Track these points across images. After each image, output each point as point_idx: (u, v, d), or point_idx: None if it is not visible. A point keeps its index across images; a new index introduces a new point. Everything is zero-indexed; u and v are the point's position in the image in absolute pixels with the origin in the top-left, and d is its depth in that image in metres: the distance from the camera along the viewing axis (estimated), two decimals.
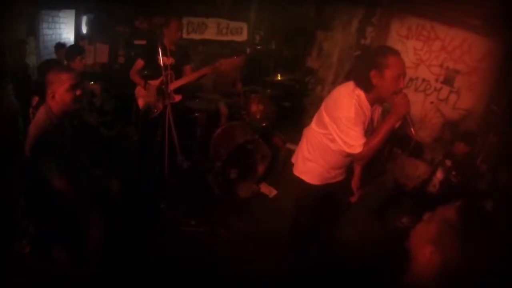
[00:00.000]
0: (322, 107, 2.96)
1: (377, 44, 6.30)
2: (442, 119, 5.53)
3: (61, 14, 7.65)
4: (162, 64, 4.17)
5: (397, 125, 2.66)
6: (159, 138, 4.61)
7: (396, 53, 2.62)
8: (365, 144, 2.62)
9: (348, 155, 2.85)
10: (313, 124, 3.11)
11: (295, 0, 7.57)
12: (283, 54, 7.94)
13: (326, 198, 3.31)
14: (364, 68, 2.68)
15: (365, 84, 2.68)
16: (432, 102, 5.61)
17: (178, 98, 4.64)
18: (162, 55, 4.15)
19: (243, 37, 8.05)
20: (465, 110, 5.28)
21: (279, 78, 6.60)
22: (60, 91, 2.77)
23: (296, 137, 6.36)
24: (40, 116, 2.79)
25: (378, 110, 2.98)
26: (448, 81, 5.44)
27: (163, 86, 4.25)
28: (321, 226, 3.65)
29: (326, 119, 2.84)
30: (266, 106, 5.67)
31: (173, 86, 4.52)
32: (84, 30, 7.36)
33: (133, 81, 4.67)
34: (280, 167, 5.62)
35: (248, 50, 8.00)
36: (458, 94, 5.34)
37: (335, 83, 7.13)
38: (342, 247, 4.21)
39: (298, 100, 7.56)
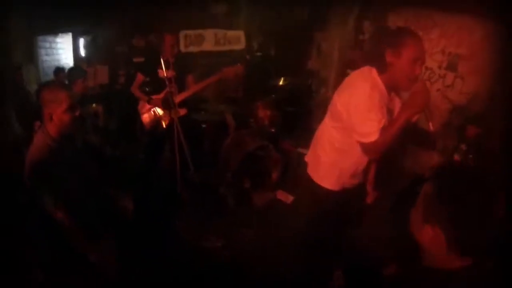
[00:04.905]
0: (335, 96, 2.56)
1: (376, 38, 6.09)
2: (450, 105, 5.24)
3: (58, 39, 7.47)
4: (163, 77, 3.96)
5: (414, 118, 2.37)
6: (168, 153, 4.37)
7: (416, 35, 2.31)
8: (381, 133, 2.26)
9: (363, 148, 2.45)
10: (327, 118, 2.71)
11: (289, 3, 7.34)
12: (283, 59, 7.68)
13: (344, 204, 2.89)
14: (379, 45, 2.37)
15: (378, 62, 2.35)
16: (438, 90, 5.33)
17: (183, 112, 4.34)
18: (162, 68, 3.94)
19: (241, 45, 7.73)
20: (471, 94, 5.04)
21: (281, 82, 6.38)
22: (58, 112, 2.44)
23: (304, 141, 6.09)
24: (37, 140, 2.48)
25: (398, 103, 2.59)
26: (451, 66, 5.20)
27: (169, 98, 4.02)
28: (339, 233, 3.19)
29: (339, 108, 2.47)
30: (272, 111, 5.41)
31: (179, 99, 4.25)
32: (82, 53, 7.16)
33: (135, 96, 4.41)
34: (293, 172, 5.33)
35: (248, 58, 7.76)
36: (463, 79, 5.10)
37: (337, 82, 6.86)
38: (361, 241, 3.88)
39: (303, 104, 7.21)
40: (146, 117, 4.43)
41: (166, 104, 4.23)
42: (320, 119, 2.84)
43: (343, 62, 6.48)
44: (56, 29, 7.02)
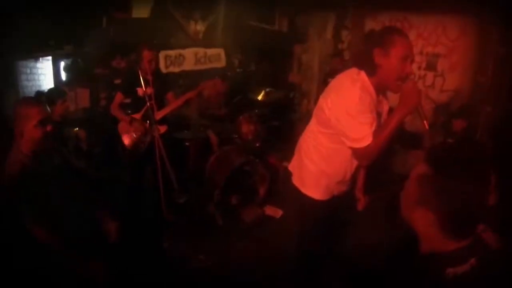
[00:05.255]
0: (321, 100, 2.40)
1: (355, 46, 6.10)
2: (433, 104, 5.34)
3: (38, 65, 7.31)
4: (142, 94, 3.84)
5: (407, 118, 2.20)
6: (151, 172, 4.23)
7: (403, 33, 2.20)
8: (373, 137, 2.14)
9: (355, 154, 2.33)
10: (312, 124, 2.56)
11: (266, 18, 7.31)
12: (264, 74, 7.61)
13: (334, 213, 2.74)
14: (366, 47, 2.24)
15: (367, 64, 2.23)
16: None
17: (163, 129, 4.21)
18: (141, 86, 3.84)
19: (221, 63, 7.64)
20: (453, 91, 5.24)
21: (264, 97, 6.30)
22: (28, 127, 2.33)
23: (290, 155, 6.03)
24: (10, 159, 2.36)
25: (386, 106, 2.50)
26: (430, 66, 5.39)
27: (149, 115, 3.90)
28: (329, 242, 3.02)
29: (327, 112, 2.31)
30: (256, 126, 5.30)
31: (159, 116, 4.12)
32: (62, 76, 7.00)
33: (116, 116, 4.26)
34: (280, 186, 5.21)
35: (229, 75, 7.69)
36: (443, 77, 5.31)
37: (319, 94, 6.82)
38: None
39: (286, 118, 7.16)
40: (126, 137, 4.27)
41: (146, 121, 4.10)
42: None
43: (324, 72, 6.44)
44: (36, 54, 6.87)
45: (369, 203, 3.09)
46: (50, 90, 4.74)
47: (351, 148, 2.29)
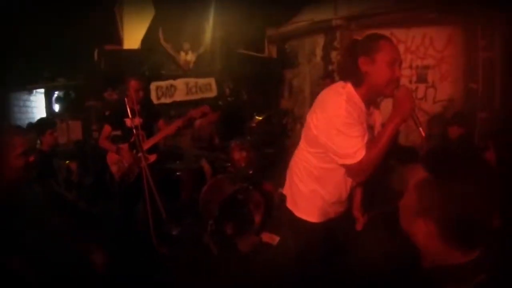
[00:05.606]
0: (308, 118, 2.24)
1: (346, 51, 6.12)
2: (427, 116, 5.26)
3: (32, 97, 7.28)
4: (130, 125, 3.76)
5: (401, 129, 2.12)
6: (142, 204, 4.10)
7: (387, 38, 2.09)
8: (366, 150, 1.97)
9: (349, 171, 2.16)
10: (302, 144, 2.37)
11: (255, 46, 7.30)
12: (256, 101, 7.55)
13: (331, 235, 2.54)
14: (351, 57, 2.11)
15: (353, 75, 2.09)
16: None
17: (152, 158, 4.11)
18: (129, 116, 3.76)
19: (213, 92, 7.56)
20: (446, 100, 5.27)
21: (256, 124, 6.21)
22: (11, 156, 2.22)
23: (284, 181, 5.88)
24: None
25: (379, 118, 2.35)
26: (421, 78, 5.43)
27: (136, 145, 3.79)
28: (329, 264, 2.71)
29: (314, 130, 2.15)
30: (249, 153, 5.18)
31: (147, 145, 4.03)
32: (55, 108, 6.92)
33: (104, 148, 4.19)
34: (276, 212, 5.06)
35: (220, 104, 7.61)
36: (435, 88, 5.35)
37: None
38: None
39: (280, 144, 7.04)
40: (115, 168, 4.18)
41: (134, 151, 4.03)
42: None
43: (316, 95, 6.41)
44: (29, 87, 6.82)
45: (367, 222, 2.94)
46: (40, 120, 4.71)
47: (343, 165, 2.12)
